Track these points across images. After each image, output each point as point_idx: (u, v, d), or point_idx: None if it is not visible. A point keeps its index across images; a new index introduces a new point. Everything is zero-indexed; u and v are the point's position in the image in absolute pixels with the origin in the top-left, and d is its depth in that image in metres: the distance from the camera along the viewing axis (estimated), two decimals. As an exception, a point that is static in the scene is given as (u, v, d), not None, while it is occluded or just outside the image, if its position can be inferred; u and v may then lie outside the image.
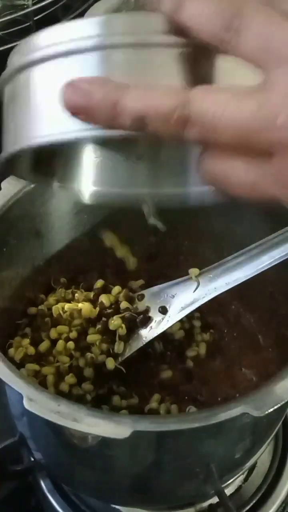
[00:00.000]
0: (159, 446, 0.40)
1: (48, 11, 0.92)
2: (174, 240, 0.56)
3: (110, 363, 0.49)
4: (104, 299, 0.51)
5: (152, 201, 0.38)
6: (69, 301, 0.52)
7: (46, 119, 0.29)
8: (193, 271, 0.48)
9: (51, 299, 0.53)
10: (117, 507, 0.51)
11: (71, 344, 0.50)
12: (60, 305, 0.52)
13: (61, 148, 0.36)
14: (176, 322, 0.49)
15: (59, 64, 0.29)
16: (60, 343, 0.50)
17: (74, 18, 0.95)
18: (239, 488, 0.53)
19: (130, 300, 0.51)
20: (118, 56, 0.28)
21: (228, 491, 0.52)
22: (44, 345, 0.50)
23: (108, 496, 0.49)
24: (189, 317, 0.52)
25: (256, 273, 0.46)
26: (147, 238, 0.56)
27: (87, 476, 0.46)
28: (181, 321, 0.51)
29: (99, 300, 0.52)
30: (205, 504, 0.51)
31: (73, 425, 0.37)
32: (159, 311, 0.49)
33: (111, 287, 0.53)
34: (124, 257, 0.50)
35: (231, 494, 0.53)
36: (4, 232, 0.48)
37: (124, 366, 0.49)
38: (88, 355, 0.49)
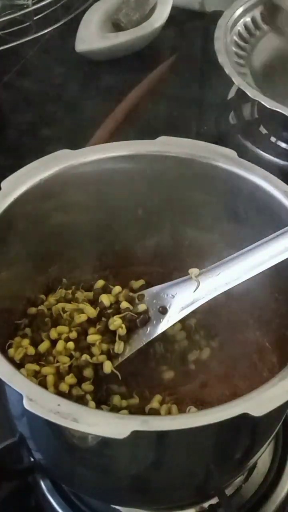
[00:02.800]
0: (159, 446, 0.40)
1: (48, 11, 0.92)
2: (174, 240, 0.56)
3: (107, 367, 0.49)
4: (104, 299, 0.51)
5: None
6: (69, 301, 0.52)
7: None
8: (193, 271, 0.48)
9: (51, 299, 0.53)
10: (117, 507, 0.51)
11: (71, 344, 0.49)
12: (60, 305, 0.52)
13: None
14: (177, 322, 0.49)
15: None
16: (60, 343, 0.50)
17: (74, 18, 0.95)
18: (239, 488, 0.53)
19: (130, 300, 0.51)
20: None
21: (228, 491, 0.52)
22: (44, 345, 0.50)
23: (108, 496, 0.49)
24: (190, 318, 0.52)
25: (256, 273, 0.46)
26: (147, 238, 0.56)
27: (87, 476, 0.46)
28: (182, 322, 0.51)
29: (99, 300, 0.51)
30: (205, 504, 0.51)
31: (73, 425, 0.37)
32: (159, 311, 0.49)
33: (111, 287, 0.53)
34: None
35: (231, 494, 0.53)
36: (4, 232, 0.48)
37: (125, 366, 0.49)
38: (84, 356, 0.49)
